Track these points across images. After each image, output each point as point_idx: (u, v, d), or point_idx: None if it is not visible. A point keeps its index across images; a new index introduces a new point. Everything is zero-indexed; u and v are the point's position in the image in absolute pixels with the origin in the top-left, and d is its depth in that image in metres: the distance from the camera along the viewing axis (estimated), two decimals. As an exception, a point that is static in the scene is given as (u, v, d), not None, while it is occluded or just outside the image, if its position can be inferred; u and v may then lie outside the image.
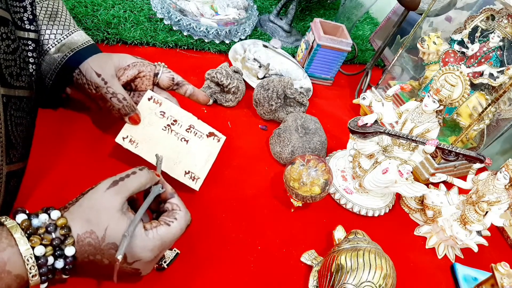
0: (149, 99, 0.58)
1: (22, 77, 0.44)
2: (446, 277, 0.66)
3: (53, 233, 0.37)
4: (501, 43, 0.73)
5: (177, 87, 0.62)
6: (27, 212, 0.38)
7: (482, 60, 0.75)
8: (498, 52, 0.74)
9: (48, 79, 0.54)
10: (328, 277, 0.52)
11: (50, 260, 0.36)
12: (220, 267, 0.53)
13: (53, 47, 0.54)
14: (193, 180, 0.59)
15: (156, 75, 0.60)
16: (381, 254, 0.52)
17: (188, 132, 0.60)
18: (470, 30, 0.78)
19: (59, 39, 0.54)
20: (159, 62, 0.62)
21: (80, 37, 0.56)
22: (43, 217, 0.37)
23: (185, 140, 0.60)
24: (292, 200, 0.63)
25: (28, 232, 0.36)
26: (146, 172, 0.44)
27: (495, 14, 0.74)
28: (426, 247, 0.69)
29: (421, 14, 0.82)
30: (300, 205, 0.63)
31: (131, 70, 0.57)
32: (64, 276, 0.39)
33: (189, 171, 0.59)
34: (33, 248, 0.35)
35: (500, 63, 0.74)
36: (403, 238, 0.70)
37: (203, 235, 0.56)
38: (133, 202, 0.46)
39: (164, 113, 0.59)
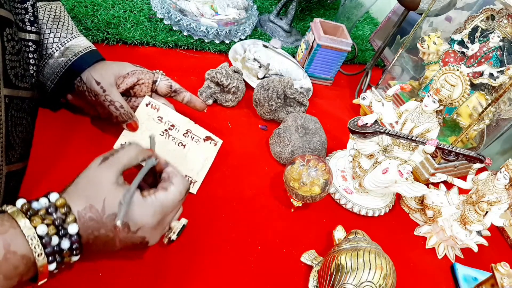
0: (147, 105, 0.59)
1: (26, 78, 0.45)
2: (446, 277, 0.66)
3: (54, 214, 0.37)
4: (501, 43, 0.73)
5: (175, 94, 0.64)
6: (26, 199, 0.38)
7: (482, 60, 0.75)
8: (498, 52, 0.74)
9: (51, 82, 0.55)
10: (328, 277, 0.52)
11: (55, 240, 0.36)
12: (220, 267, 0.53)
13: (57, 50, 0.55)
14: (190, 184, 0.59)
15: (154, 82, 0.61)
16: (381, 254, 0.52)
17: (185, 136, 0.61)
18: (470, 30, 0.78)
19: (63, 42, 0.55)
20: (157, 70, 0.63)
21: (82, 42, 0.57)
22: (43, 200, 0.38)
23: (182, 144, 0.60)
24: (292, 200, 0.63)
25: (28, 213, 0.36)
26: (134, 145, 0.45)
27: (495, 14, 0.74)
28: (426, 247, 0.69)
29: (421, 14, 0.82)
30: (300, 205, 0.63)
31: (130, 78, 0.59)
32: (73, 258, 0.39)
33: (186, 175, 0.59)
34: (35, 227, 0.35)
35: (500, 63, 0.74)
36: (403, 238, 0.70)
37: (203, 235, 0.56)
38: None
39: (162, 118, 0.60)
